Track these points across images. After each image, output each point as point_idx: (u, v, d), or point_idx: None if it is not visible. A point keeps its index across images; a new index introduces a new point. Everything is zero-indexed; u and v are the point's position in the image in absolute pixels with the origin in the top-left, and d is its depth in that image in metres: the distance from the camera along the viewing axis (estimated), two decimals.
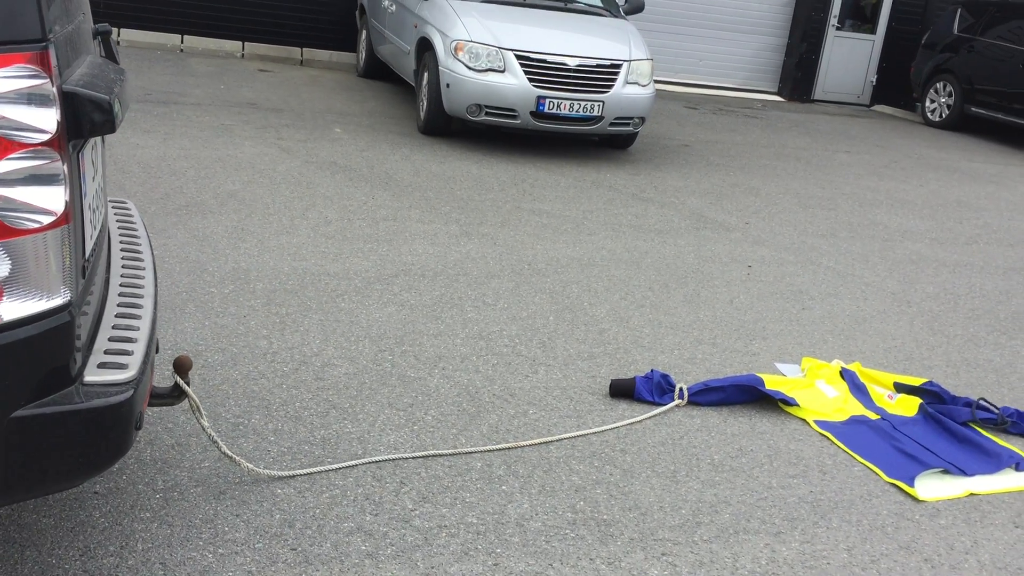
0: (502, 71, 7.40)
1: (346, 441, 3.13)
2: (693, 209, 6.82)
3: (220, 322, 3.91)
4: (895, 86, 14.47)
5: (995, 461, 3.54)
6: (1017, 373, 4.52)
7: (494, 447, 3.21)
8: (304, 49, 11.42)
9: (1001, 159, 11.06)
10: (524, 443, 3.26)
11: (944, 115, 13.06)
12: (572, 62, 7.47)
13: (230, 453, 2.70)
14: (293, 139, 7.27)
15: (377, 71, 10.49)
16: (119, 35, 10.65)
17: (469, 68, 7.40)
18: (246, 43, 11.22)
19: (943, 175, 9.54)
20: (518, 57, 7.39)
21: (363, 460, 3.02)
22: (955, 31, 13.00)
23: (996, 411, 3.87)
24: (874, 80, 14.60)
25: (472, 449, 3.18)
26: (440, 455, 3.12)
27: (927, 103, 13.39)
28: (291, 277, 4.50)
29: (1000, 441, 3.73)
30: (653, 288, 5.03)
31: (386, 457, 3.05)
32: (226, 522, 2.63)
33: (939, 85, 13.17)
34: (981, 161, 10.72)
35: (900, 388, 4.08)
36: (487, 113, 7.48)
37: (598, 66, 7.56)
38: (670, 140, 9.40)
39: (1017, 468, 3.53)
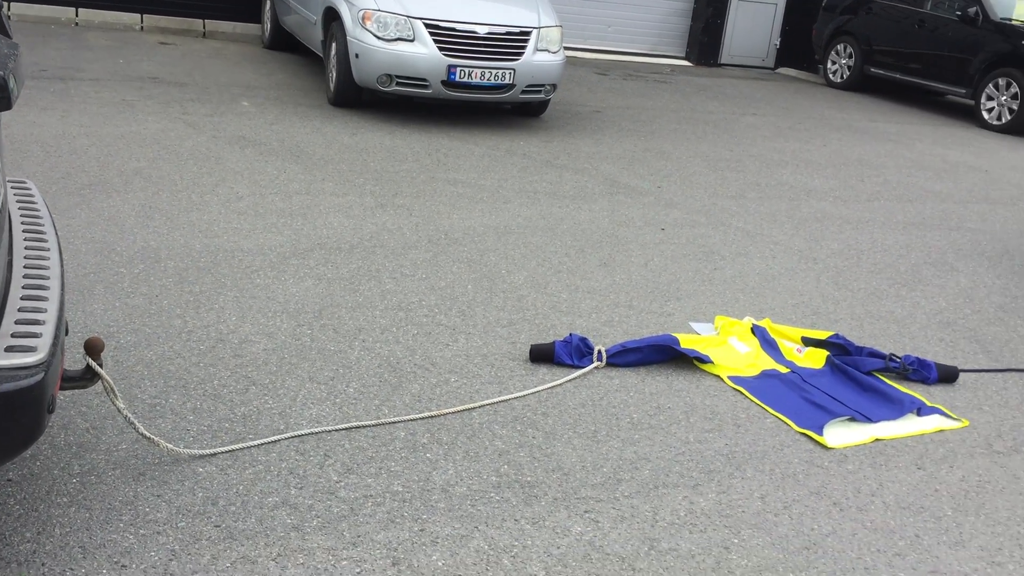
0: (411, 40, 7.33)
1: (267, 417, 3.11)
2: (606, 174, 6.90)
3: (131, 302, 3.82)
4: (798, 49, 14.81)
5: (898, 407, 3.71)
6: (917, 323, 4.72)
7: (417, 416, 3.23)
8: (206, 21, 11.11)
9: (900, 118, 11.45)
10: (447, 411, 3.29)
11: (845, 76, 13.43)
12: (482, 30, 7.45)
13: (148, 434, 2.65)
14: (199, 113, 7.09)
15: (283, 42, 10.28)
16: (9, 8, 10.18)
17: (378, 38, 7.31)
18: (144, 15, 10.86)
19: (845, 135, 9.83)
20: (427, 26, 7.34)
21: (286, 435, 3.00)
22: None
23: (898, 359, 4.05)
24: (778, 43, 14.90)
25: (395, 419, 3.19)
26: (363, 426, 3.13)
27: (829, 65, 13.74)
28: (203, 254, 4.42)
29: (902, 388, 3.91)
30: (569, 254, 5.09)
31: (309, 431, 3.04)
32: (146, 503, 2.60)
33: (840, 47, 13.52)
34: (881, 120, 11.08)
35: (808, 342, 4.23)
36: (398, 83, 7.42)
37: (507, 34, 7.56)
38: (582, 107, 9.46)
39: (919, 413, 3.71)
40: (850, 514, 2.99)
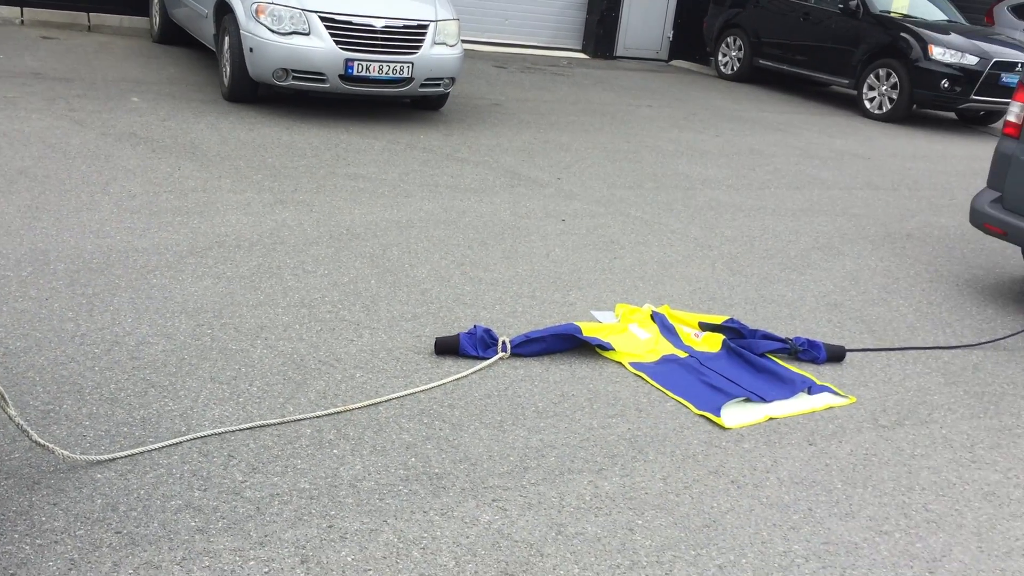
0: (307, 34, 7.24)
1: (168, 419, 3.05)
2: (507, 167, 6.95)
3: (20, 307, 3.69)
4: (690, 41, 15.16)
5: (790, 387, 3.87)
6: (807, 306, 4.92)
7: (323, 413, 3.21)
8: (91, 14, 10.73)
9: (787, 108, 11.84)
10: (353, 406, 3.29)
11: (735, 68, 13.81)
12: (378, 23, 7.40)
13: (42, 441, 2.58)
14: (86, 110, 6.86)
15: (174, 36, 10.01)
16: None
17: (272, 31, 7.20)
18: (25, 8, 10.41)
19: (737, 125, 10.12)
20: (322, 19, 7.25)
21: (187, 437, 2.95)
22: None
23: (789, 341, 4.21)
24: (671, 36, 15.22)
25: (300, 416, 3.17)
26: (268, 425, 3.10)
27: (720, 57, 14.11)
28: (95, 255, 4.29)
29: (793, 368, 4.07)
30: (472, 246, 5.12)
31: (211, 432, 3.00)
32: (43, 512, 2.53)
33: (730, 39, 13.90)
34: (770, 111, 11.44)
35: (705, 327, 4.36)
36: (294, 77, 7.31)
37: (405, 27, 7.53)
38: (481, 100, 9.50)
39: (809, 392, 3.87)
40: (747, 491, 3.11)
